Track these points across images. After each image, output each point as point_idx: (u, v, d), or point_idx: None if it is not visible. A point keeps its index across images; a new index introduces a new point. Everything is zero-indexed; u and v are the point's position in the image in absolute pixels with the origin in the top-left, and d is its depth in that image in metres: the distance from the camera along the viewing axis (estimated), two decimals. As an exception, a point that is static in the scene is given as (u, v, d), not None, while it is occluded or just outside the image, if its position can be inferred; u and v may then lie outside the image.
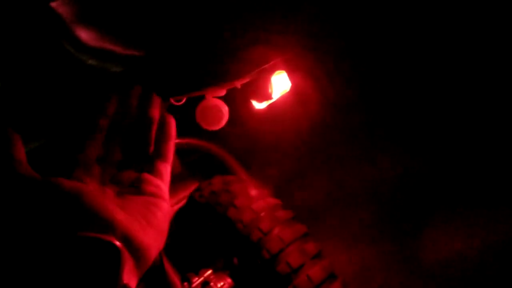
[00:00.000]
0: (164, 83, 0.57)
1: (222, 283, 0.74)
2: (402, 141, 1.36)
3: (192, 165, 1.07)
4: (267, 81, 0.52)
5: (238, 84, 0.52)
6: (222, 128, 0.62)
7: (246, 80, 0.52)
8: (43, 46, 0.59)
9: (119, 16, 0.55)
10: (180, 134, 0.82)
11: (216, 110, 0.55)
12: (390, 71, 1.27)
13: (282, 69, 0.53)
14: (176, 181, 0.94)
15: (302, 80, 0.56)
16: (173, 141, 0.46)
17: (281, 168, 1.14)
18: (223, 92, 0.55)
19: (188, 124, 0.68)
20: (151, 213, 0.40)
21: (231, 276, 0.75)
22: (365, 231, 1.21)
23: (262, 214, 0.70)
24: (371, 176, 1.30)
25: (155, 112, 0.46)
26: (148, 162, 0.44)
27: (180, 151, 0.95)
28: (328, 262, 0.68)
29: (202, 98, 0.59)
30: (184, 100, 0.63)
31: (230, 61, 0.52)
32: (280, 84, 0.53)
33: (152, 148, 0.45)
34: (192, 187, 0.88)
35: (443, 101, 1.40)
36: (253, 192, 0.74)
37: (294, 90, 0.55)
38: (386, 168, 1.31)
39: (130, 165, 0.44)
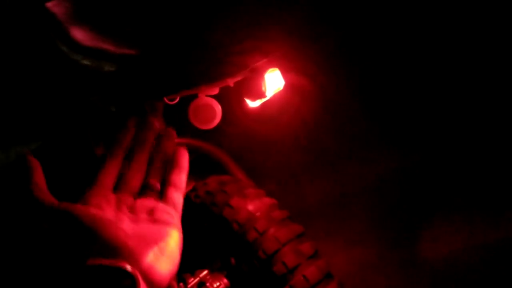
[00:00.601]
0: (157, 82, 0.56)
1: (218, 284, 0.73)
2: (401, 140, 1.35)
3: (189, 165, 1.06)
4: (260, 79, 0.52)
5: (231, 82, 0.51)
6: (217, 127, 0.61)
7: (238, 78, 0.51)
8: (38, 47, 0.59)
9: (113, 15, 0.54)
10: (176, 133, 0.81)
11: (209, 109, 0.55)
12: (387, 69, 1.27)
13: (275, 66, 0.52)
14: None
15: (296, 77, 0.55)
16: (185, 173, 0.49)
17: (277, 168, 1.14)
18: (216, 91, 0.54)
19: (183, 124, 0.68)
20: (164, 241, 0.41)
21: (229, 276, 0.74)
22: (364, 231, 1.20)
23: (258, 214, 0.69)
24: (369, 176, 1.29)
25: (170, 146, 0.50)
26: (162, 191, 0.46)
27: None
28: (324, 262, 0.68)
29: (195, 97, 0.59)
30: (178, 99, 0.62)
31: (222, 59, 0.51)
32: (274, 82, 0.53)
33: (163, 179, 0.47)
34: (188, 187, 0.87)
35: (442, 99, 1.40)
36: (249, 192, 0.73)
37: (288, 88, 0.54)
38: (384, 168, 1.30)
39: (144, 193, 0.45)
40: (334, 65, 0.57)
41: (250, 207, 0.70)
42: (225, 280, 0.74)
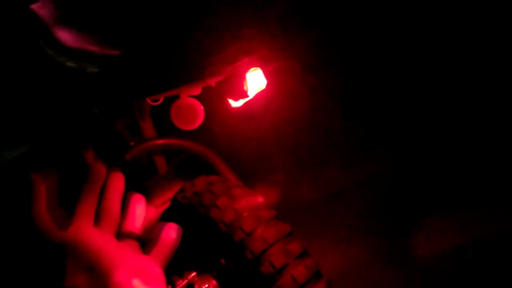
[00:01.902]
0: (140, 83, 0.56)
1: (206, 285, 0.72)
2: (391, 137, 1.35)
3: (179, 166, 1.06)
4: (242, 78, 0.51)
5: (213, 82, 0.51)
6: (201, 128, 0.61)
7: (220, 77, 0.51)
8: (23, 49, 0.58)
9: (98, 16, 0.54)
10: (162, 134, 0.80)
11: (191, 109, 0.54)
12: (374, 66, 1.26)
13: (257, 66, 0.52)
14: (162, 182, 0.93)
15: (278, 76, 0.55)
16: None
17: (264, 167, 1.13)
18: (198, 91, 0.54)
19: (169, 124, 0.67)
20: None
21: (219, 277, 0.74)
22: (356, 229, 1.20)
23: (245, 214, 0.69)
24: (360, 173, 1.29)
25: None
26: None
27: (166, 152, 0.94)
28: (312, 261, 0.67)
29: (178, 97, 0.58)
30: (161, 100, 0.62)
31: (203, 58, 0.51)
32: (256, 81, 0.52)
33: None
34: (178, 188, 0.87)
35: (431, 97, 1.40)
36: (236, 192, 0.72)
37: (270, 87, 0.54)
38: (376, 165, 1.30)
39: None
40: (317, 64, 0.57)
41: (237, 207, 0.69)
42: (214, 282, 0.74)
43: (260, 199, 0.73)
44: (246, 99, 0.54)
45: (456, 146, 1.34)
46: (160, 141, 0.81)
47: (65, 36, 0.54)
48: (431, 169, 1.31)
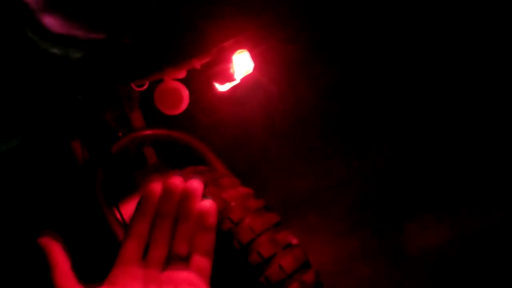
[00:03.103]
0: (124, 67, 0.54)
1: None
2: (387, 133, 1.34)
3: (169, 156, 1.05)
4: (228, 61, 0.50)
5: (197, 64, 0.49)
6: (188, 115, 0.60)
7: (205, 60, 0.49)
8: (8, 37, 0.57)
9: (82, 2, 0.53)
10: (149, 122, 0.79)
11: (175, 93, 0.53)
12: (370, 60, 1.25)
13: (244, 48, 0.51)
14: (151, 173, 0.92)
15: (266, 60, 0.53)
16: (213, 232, 0.41)
17: (251, 156, 1.12)
18: (183, 74, 0.53)
19: (156, 113, 0.65)
20: None
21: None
22: (348, 222, 1.19)
23: (233, 203, 0.68)
24: (355, 168, 1.28)
25: (195, 207, 0.42)
26: (186, 258, 0.41)
27: (155, 142, 0.92)
28: (301, 251, 0.66)
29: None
30: (146, 85, 0.60)
31: (187, 39, 0.50)
32: (242, 64, 0.51)
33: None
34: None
35: (428, 92, 1.39)
36: (224, 181, 0.71)
37: (258, 71, 0.52)
38: (371, 160, 1.29)
39: (171, 263, 0.41)
40: (309, 47, 0.55)
41: (225, 196, 0.68)
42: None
43: (248, 189, 0.72)
44: (233, 83, 0.53)
45: (448, 144, 1.34)
46: (149, 132, 0.79)
47: (50, 22, 0.53)
48: (424, 166, 1.30)
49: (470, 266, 1.09)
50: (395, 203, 1.24)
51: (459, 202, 1.22)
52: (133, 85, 0.55)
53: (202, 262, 0.41)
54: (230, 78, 0.51)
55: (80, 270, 0.40)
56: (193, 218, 0.42)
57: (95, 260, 0.44)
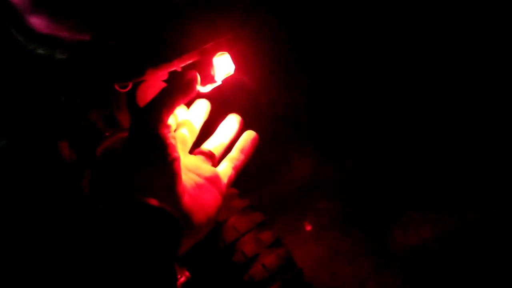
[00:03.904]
0: (107, 68, 0.55)
1: (179, 276, 0.72)
2: (368, 130, 1.35)
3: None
4: (208, 63, 0.51)
5: (178, 66, 0.50)
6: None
7: (186, 61, 0.50)
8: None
9: (68, 2, 0.53)
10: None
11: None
12: (346, 58, 1.26)
13: (225, 50, 0.51)
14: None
15: (247, 62, 0.54)
16: (246, 157, 0.54)
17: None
18: (164, 76, 0.53)
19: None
20: (207, 201, 0.45)
21: (192, 268, 0.73)
22: (333, 221, 1.20)
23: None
24: (338, 167, 1.29)
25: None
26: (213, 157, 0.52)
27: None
28: (284, 250, 0.67)
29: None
30: (130, 86, 0.60)
31: (168, 40, 0.50)
32: (223, 66, 0.51)
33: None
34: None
35: (410, 88, 1.40)
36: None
37: (239, 73, 0.53)
38: (353, 159, 1.30)
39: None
40: (290, 50, 0.56)
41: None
42: (187, 273, 0.73)
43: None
44: (214, 85, 0.53)
45: (431, 140, 1.35)
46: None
47: (36, 22, 0.53)
48: (408, 163, 1.31)
49: (455, 262, 1.11)
50: (382, 202, 1.25)
51: (443, 200, 1.24)
52: (116, 86, 0.56)
53: (227, 167, 0.51)
54: (211, 80, 0.52)
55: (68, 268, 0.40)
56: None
57: (82, 258, 0.45)
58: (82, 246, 0.38)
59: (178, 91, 0.48)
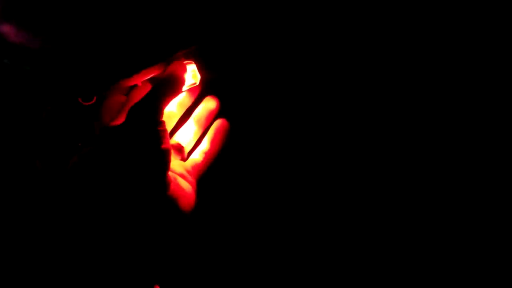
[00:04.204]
0: (71, 82, 0.52)
1: None
2: (366, 131, 1.34)
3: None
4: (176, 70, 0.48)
5: (139, 81, 0.47)
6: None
7: (148, 75, 0.47)
8: None
9: (40, 12, 0.50)
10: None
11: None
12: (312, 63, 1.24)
13: (191, 61, 0.49)
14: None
15: (213, 73, 0.52)
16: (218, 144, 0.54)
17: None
18: (125, 90, 0.51)
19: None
20: (184, 194, 0.46)
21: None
22: (330, 221, 1.19)
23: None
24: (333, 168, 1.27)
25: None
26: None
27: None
28: None
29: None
30: (94, 100, 0.58)
31: (131, 53, 0.47)
32: (189, 77, 0.49)
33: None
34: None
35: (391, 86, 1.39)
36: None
37: (205, 84, 0.51)
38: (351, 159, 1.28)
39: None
40: (259, 57, 0.54)
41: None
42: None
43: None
44: (179, 96, 0.51)
45: (432, 146, 1.34)
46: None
47: (6, 30, 0.51)
48: (409, 165, 1.30)
49: (456, 264, 1.11)
50: (381, 202, 1.24)
51: (444, 201, 1.23)
52: (80, 100, 0.54)
53: (196, 160, 0.51)
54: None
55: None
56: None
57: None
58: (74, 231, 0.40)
59: (172, 88, 0.47)
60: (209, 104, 0.55)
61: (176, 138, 0.53)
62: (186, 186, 0.47)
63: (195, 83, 0.50)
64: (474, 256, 0.64)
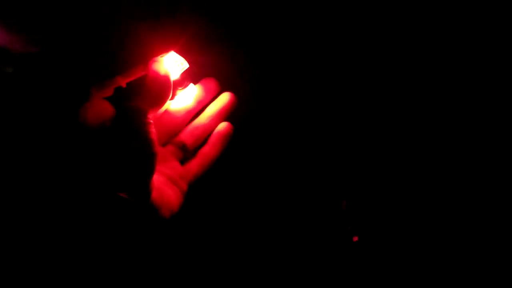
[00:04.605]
0: (52, 83, 0.52)
1: None
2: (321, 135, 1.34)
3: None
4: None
5: (122, 82, 0.47)
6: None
7: (131, 78, 0.47)
8: None
9: (20, 13, 0.50)
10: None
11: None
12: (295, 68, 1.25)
13: (166, 52, 0.49)
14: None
15: (197, 75, 0.52)
16: (215, 152, 0.52)
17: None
18: (109, 92, 0.51)
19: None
20: (170, 198, 0.45)
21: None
22: (329, 222, 1.18)
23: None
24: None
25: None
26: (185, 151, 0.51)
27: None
28: None
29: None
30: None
31: (112, 56, 0.48)
32: (175, 63, 0.49)
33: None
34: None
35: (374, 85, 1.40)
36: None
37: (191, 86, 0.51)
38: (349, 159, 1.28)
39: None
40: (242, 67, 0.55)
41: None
42: None
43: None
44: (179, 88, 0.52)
45: (432, 146, 1.34)
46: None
47: None
48: (408, 166, 1.30)
49: (456, 264, 1.10)
50: (380, 202, 1.23)
51: (444, 201, 1.23)
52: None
53: (194, 163, 0.50)
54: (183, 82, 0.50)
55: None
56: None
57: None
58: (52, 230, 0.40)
59: (163, 92, 0.45)
60: (223, 99, 0.52)
61: (182, 136, 0.51)
62: (171, 193, 0.46)
63: (184, 67, 0.49)
64: (474, 256, 0.64)
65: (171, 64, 0.48)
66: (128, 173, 0.41)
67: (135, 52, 0.47)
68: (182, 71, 0.49)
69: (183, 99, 0.51)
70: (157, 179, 0.45)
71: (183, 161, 0.50)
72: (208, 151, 0.50)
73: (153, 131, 0.42)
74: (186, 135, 0.50)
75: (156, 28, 0.48)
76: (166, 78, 0.45)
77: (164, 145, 0.50)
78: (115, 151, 0.42)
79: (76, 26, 0.50)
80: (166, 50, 0.48)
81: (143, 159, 0.41)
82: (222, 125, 0.52)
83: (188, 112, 0.51)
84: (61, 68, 0.52)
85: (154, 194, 0.43)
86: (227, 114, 0.52)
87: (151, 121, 0.43)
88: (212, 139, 0.51)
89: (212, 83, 0.52)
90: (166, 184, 0.46)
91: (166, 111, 0.51)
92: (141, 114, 0.43)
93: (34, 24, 0.49)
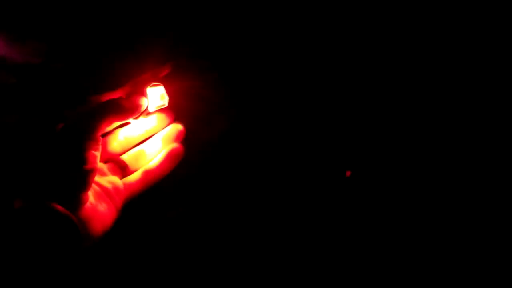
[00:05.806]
0: (45, 99, 0.52)
1: None
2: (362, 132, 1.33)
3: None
4: (141, 95, 0.49)
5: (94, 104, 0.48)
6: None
7: (117, 95, 0.48)
8: None
9: (23, 25, 0.50)
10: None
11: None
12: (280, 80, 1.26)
13: (158, 82, 0.50)
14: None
15: (181, 94, 0.53)
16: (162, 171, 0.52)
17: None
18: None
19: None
20: (103, 213, 0.45)
21: None
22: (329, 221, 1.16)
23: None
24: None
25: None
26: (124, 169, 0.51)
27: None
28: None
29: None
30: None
31: (98, 73, 0.48)
32: (156, 98, 0.50)
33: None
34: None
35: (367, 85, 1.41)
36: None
37: (172, 105, 0.52)
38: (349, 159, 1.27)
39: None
40: (224, 79, 0.55)
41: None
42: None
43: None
44: (148, 117, 0.52)
45: (432, 147, 1.35)
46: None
47: None
48: (408, 166, 1.30)
49: (456, 264, 1.10)
50: (380, 202, 1.22)
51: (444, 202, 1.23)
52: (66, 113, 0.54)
53: (133, 180, 0.50)
54: (143, 112, 0.51)
55: None
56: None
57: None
58: None
59: (121, 111, 0.46)
60: (175, 127, 0.54)
61: (126, 156, 0.51)
62: (105, 207, 0.46)
63: (163, 105, 0.51)
64: (474, 256, 0.65)
65: (154, 96, 0.49)
66: (61, 183, 0.41)
67: (121, 71, 0.48)
68: (159, 108, 0.51)
69: (137, 125, 0.52)
70: (93, 192, 0.45)
71: (122, 178, 0.51)
72: (152, 170, 0.51)
73: (98, 148, 0.43)
74: (130, 158, 0.51)
75: (138, 57, 0.49)
76: (139, 105, 0.47)
77: (106, 162, 0.50)
78: (53, 160, 0.42)
79: (73, 43, 0.50)
80: (154, 80, 0.49)
81: (79, 172, 0.42)
82: (174, 146, 0.53)
83: (138, 137, 0.52)
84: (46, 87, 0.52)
85: (87, 207, 0.43)
86: (176, 141, 0.54)
87: (99, 138, 0.44)
88: (160, 158, 0.52)
89: (167, 115, 0.53)
90: (100, 198, 0.46)
91: (115, 130, 0.51)
92: (90, 130, 0.43)
93: (36, 36, 0.50)
